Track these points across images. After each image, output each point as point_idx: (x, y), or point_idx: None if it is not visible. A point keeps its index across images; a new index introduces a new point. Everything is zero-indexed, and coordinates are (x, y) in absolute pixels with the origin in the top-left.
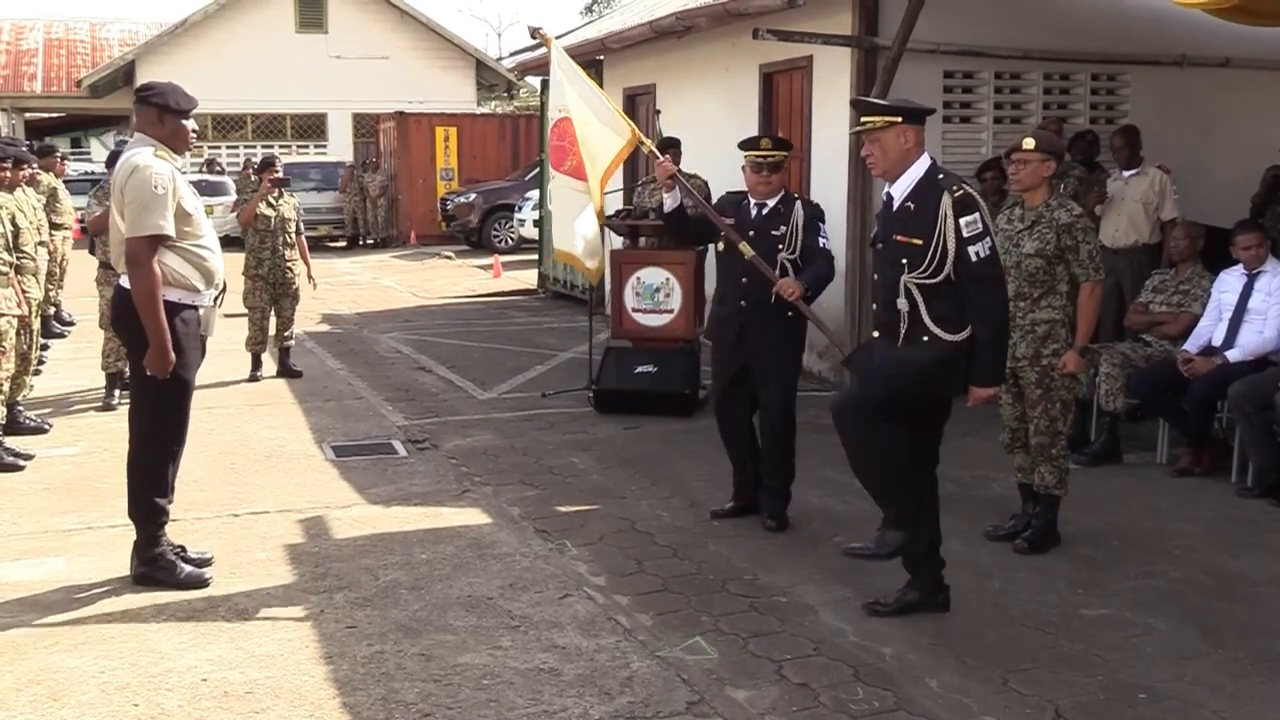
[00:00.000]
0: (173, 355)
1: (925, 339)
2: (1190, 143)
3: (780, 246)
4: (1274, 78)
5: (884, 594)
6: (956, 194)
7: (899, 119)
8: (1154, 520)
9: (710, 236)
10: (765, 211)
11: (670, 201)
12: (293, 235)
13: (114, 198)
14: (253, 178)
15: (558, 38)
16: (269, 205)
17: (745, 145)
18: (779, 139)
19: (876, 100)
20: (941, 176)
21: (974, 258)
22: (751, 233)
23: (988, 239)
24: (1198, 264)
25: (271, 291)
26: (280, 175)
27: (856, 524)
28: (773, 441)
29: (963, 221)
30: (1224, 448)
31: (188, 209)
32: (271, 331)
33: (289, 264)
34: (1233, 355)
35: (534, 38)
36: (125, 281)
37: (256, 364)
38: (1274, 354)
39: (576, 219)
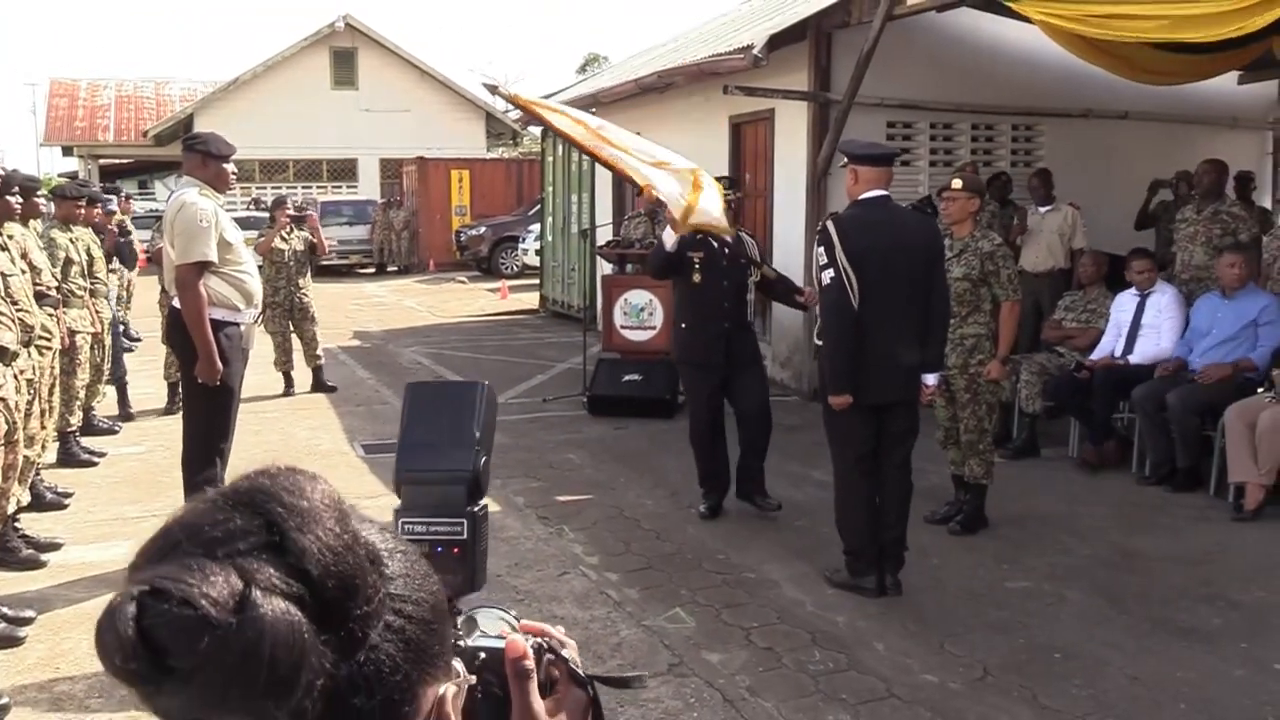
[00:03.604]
0: (220, 365)
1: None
2: (1095, 183)
3: (750, 270)
4: (1164, 128)
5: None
6: (818, 229)
7: (844, 160)
8: (1067, 505)
9: (678, 272)
10: (733, 244)
11: (675, 243)
12: (305, 266)
13: (165, 231)
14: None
15: (555, 93)
16: (282, 239)
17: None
18: (732, 179)
19: (847, 142)
20: (833, 213)
21: (822, 283)
22: (725, 262)
23: (830, 270)
24: (1102, 286)
25: (289, 316)
26: (293, 212)
27: (816, 510)
28: (759, 433)
29: (816, 252)
30: (1125, 443)
31: (228, 239)
32: (301, 354)
33: (303, 291)
34: (1133, 359)
35: (493, 94)
36: (177, 302)
37: (289, 382)
38: (1165, 362)
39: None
